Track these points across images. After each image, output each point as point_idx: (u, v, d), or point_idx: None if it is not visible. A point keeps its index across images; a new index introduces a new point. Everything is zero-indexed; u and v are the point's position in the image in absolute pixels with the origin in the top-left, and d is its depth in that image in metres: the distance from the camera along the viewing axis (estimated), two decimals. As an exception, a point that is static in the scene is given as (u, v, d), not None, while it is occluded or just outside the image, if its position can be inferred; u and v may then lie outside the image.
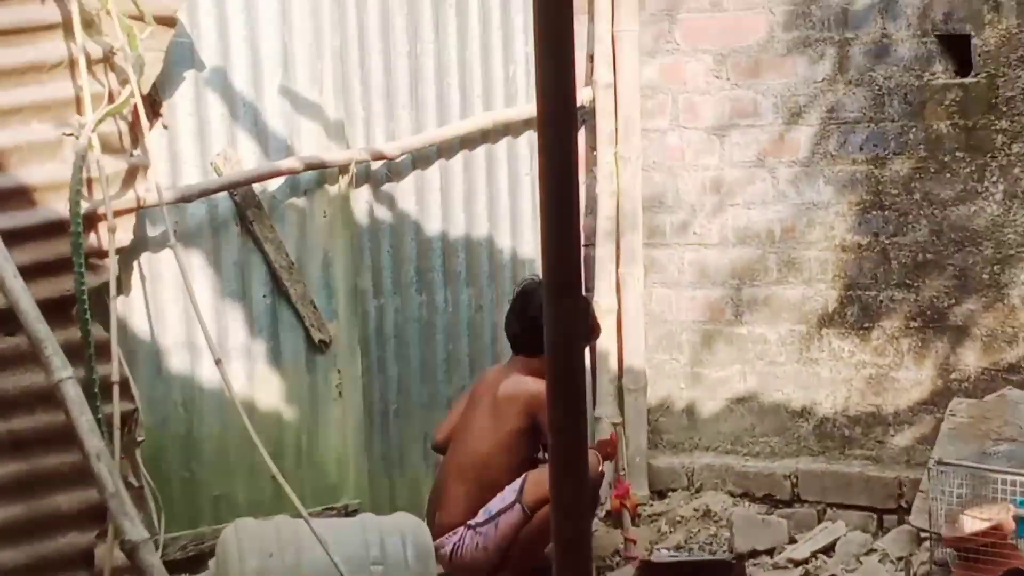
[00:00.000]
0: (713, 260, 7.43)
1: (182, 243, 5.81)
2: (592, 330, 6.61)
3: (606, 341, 7.48)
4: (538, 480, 5.82)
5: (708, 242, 7.43)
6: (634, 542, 6.62)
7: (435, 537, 6.06)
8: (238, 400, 5.28)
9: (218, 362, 5.20)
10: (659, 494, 7.43)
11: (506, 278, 7.22)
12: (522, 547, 5.98)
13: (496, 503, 6.03)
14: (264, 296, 6.18)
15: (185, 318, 5.80)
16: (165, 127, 5.87)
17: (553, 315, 3.86)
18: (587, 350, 7.47)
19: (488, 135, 7.15)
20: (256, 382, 6.15)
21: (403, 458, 6.78)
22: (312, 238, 6.36)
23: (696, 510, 7.09)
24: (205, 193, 5.95)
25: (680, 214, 7.50)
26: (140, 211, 5.64)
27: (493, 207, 7.18)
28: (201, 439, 5.95)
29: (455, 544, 6.05)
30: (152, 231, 5.79)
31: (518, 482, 6.01)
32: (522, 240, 7.27)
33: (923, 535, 6.12)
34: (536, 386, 5.84)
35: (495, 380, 6.22)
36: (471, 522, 6.04)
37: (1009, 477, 4.75)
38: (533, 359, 6.05)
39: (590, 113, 7.52)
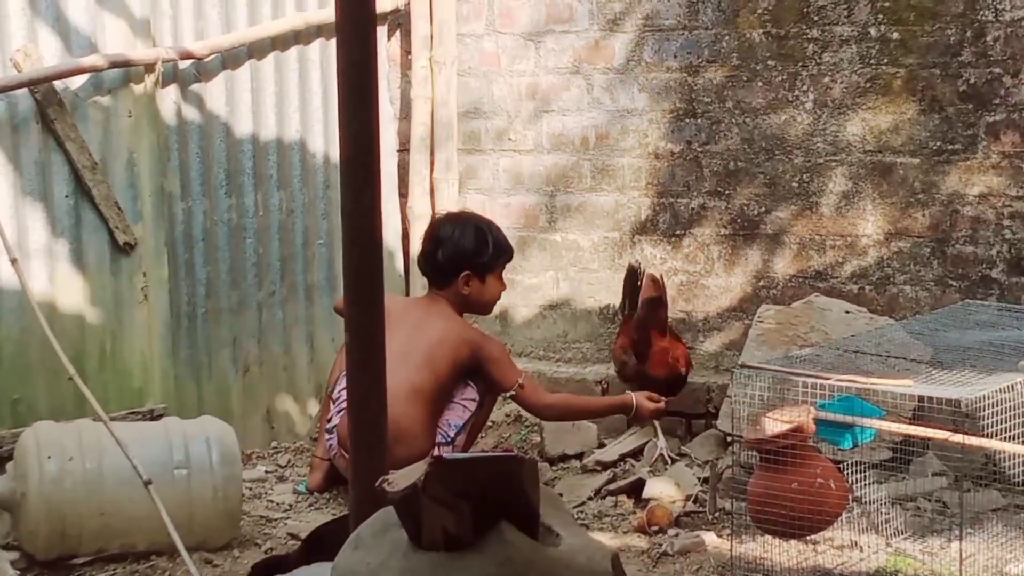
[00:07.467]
0: (528, 167, 7.41)
1: (-21, 140, 5.66)
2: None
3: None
4: None
5: (523, 148, 7.42)
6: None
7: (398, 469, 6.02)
8: (35, 300, 5.13)
9: (14, 261, 5.05)
10: (471, 400, 7.44)
11: (318, 182, 7.12)
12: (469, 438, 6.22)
13: (455, 416, 6.08)
14: (66, 196, 6.03)
15: (-18, 218, 5.64)
16: (-40, 20, 5.68)
17: (351, 212, 3.83)
18: (400, 251, 7.44)
19: (300, 36, 7.01)
20: (58, 284, 6.01)
21: (211, 362, 6.68)
22: (116, 138, 6.20)
23: (508, 415, 7.10)
24: (4, 90, 5.77)
25: (496, 120, 7.47)
26: (-67, 106, 5.46)
27: (305, 110, 7.05)
28: (-1, 341, 5.81)
29: None
30: (-53, 127, 5.62)
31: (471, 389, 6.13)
32: (334, 143, 7.13)
33: (728, 438, 6.21)
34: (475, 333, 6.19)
35: (426, 307, 6.21)
36: (440, 441, 6.02)
37: (811, 380, 4.80)
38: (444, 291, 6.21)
39: (405, 16, 7.43)
